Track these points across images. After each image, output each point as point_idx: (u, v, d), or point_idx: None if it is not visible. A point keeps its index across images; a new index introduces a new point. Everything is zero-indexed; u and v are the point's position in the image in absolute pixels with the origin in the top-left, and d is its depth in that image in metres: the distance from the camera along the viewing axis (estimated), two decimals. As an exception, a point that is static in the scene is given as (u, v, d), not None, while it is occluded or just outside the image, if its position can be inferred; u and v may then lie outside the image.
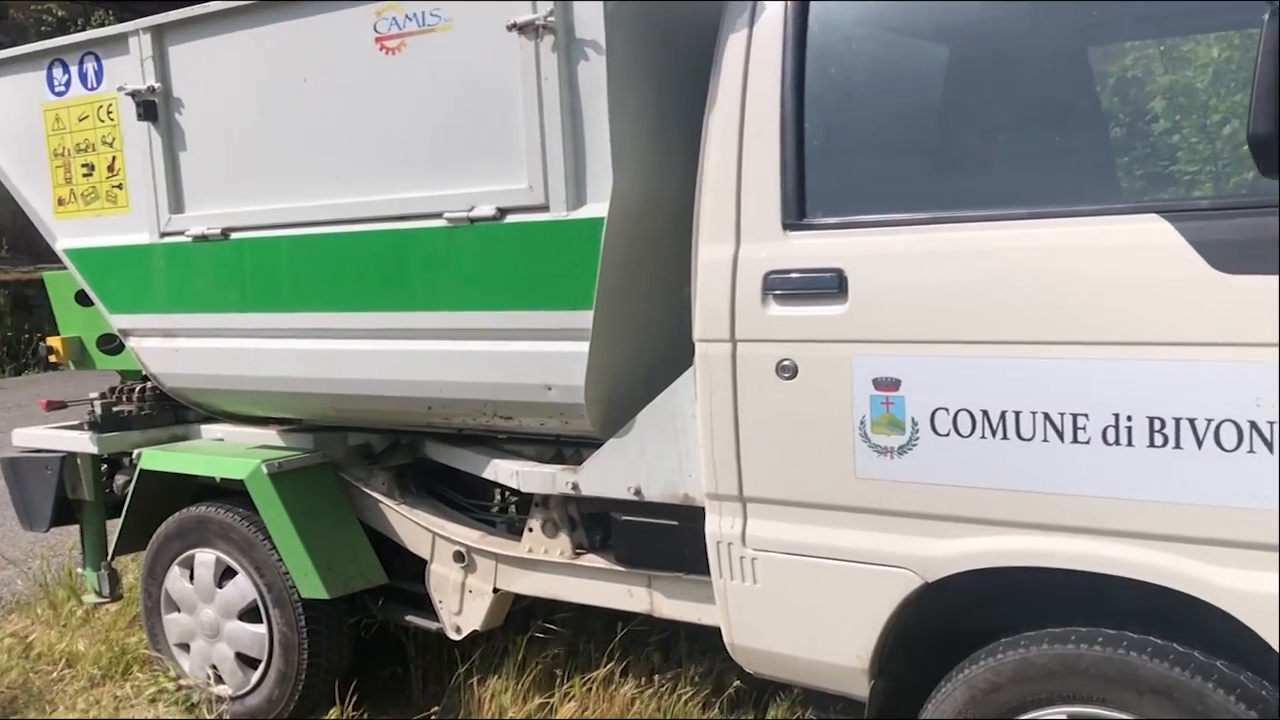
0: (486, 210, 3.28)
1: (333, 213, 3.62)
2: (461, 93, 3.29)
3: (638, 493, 3.25)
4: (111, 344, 4.70)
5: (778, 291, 2.81)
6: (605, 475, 3.32)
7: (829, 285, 2.73)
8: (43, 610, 5.17)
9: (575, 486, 3.41)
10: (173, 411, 4.61)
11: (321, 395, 3.89)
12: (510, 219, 3.25)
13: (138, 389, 4.62)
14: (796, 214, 2.81)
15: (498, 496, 4.48)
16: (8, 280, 17.62)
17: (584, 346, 3.18)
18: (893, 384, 2.69)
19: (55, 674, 4.59)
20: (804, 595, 2.88)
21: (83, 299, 4.79)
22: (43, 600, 5.33)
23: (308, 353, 3.80)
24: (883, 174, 2.89)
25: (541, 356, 3.29)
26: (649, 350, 3.33)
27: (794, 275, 2.79)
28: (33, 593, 5.51)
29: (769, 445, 2.87)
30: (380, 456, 4.18)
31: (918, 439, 2.66)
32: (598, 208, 3.09)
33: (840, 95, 2.90)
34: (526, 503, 3.93)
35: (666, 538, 3.29)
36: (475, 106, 3.27)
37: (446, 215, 3.35)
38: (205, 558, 4.16)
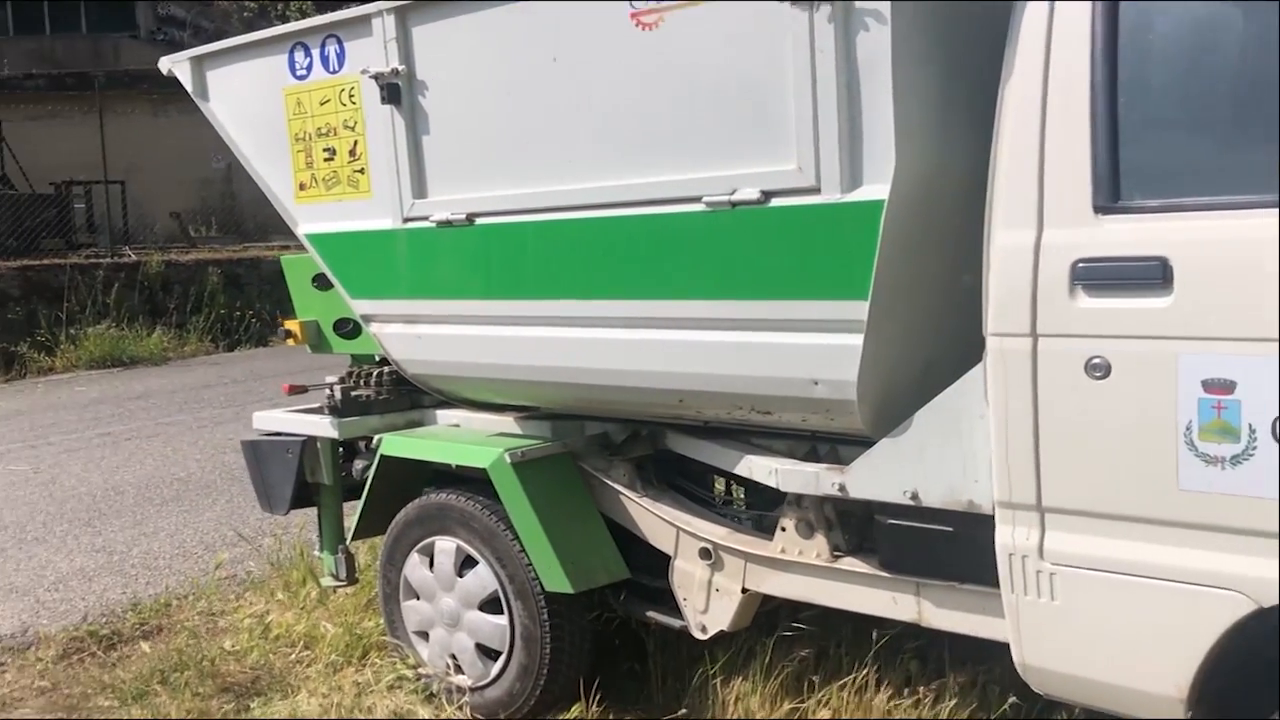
0: (750, 193, 3.09)
1: (582, 197, 3.49)
2: (723, 69, 3.11)
3: (914, 497, 3.03)
4: (347, 328, 4.71)
5: (1088, 281, 2.55)
6: (877, 477, 3.11)
7: (1151, 275, 2.46)
8: (278, 590, 5.25)
9: (842, 488, 3.20)
10: (409, 396, 4.59)
11: (567, 385, 3.78)
12: (776, 202, 3.06)
13: (375, 374, 4.62)
14: (1110, 196, 2.55)
15: (720, 486, 4.34)
16: (220, 259, 18.33)
17: (857, 339, 2.97)
18: (1226, 386, 2.40)
19: (294, 656, 4.64)
20: (1112, 616, 2.62)
21: (320, 283, 4.81)
22: (276, 580, 5.41)
23: (554, 341, 3.69)
24: (1212, 150, 2.59)
25: (808, 349, 3.09)
26: (925, 343, 3.11)
27: (1108, 264, 2.53)
28: (265, 572, 5.61)
29: (1074, 451, 2.62)
30: (620, 447, 4.05)
31: (1255, 448, 2.37)
32: (876, 189, 2.87)
33: (1161, 61, 2.62)
34: (761, 497, 3.77)
35: (941, 545, 3.07)
36: (738, 83, 3.09)
37: (706, 199, 3.18)
38: (446, 546, 4.11)
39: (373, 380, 4.61)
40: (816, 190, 2.98)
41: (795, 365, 3.13)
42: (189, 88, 4.69)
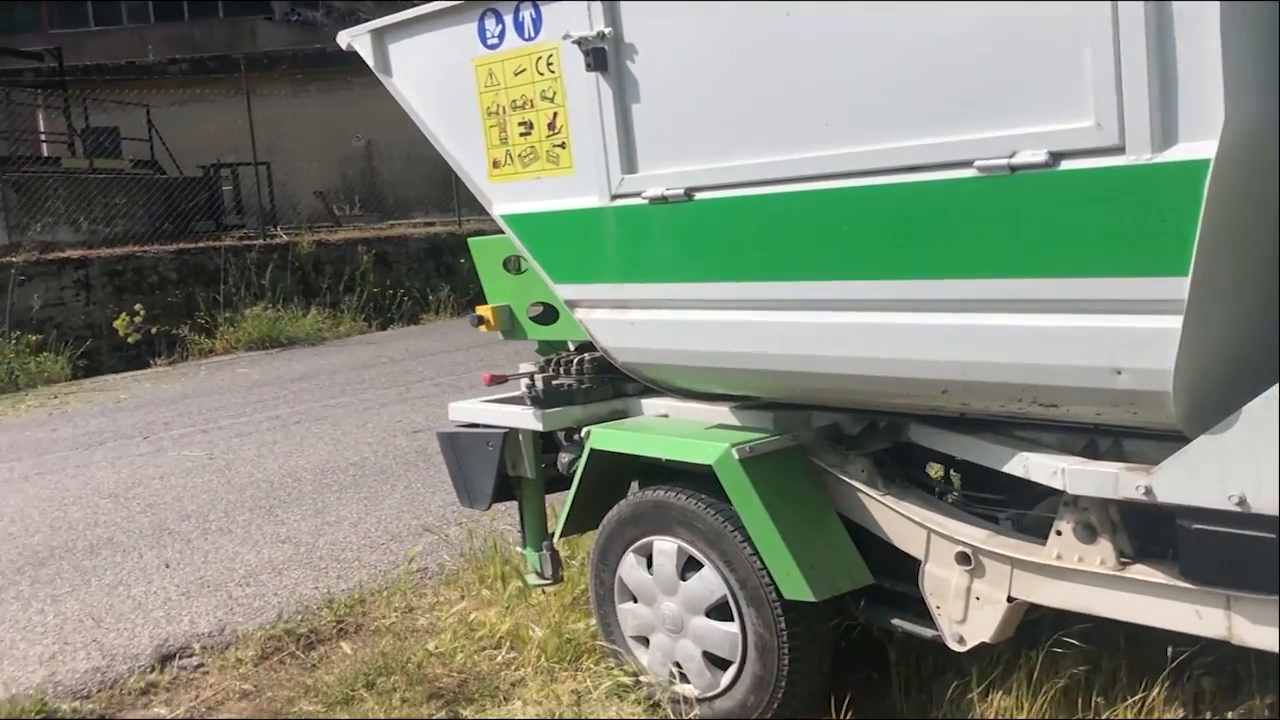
0: (1034, 155, 2.69)
1: (822, 166, 3.13)
2: (998, 14, 2.72)
3: (1241, 502, 2.62)
4: (541, 313, 4.45)
5: None
6: (1194, 480, 2.71)
7: None
8: (474, 585, 5.04)
9: (1148, 491, 2.80)
10: (612, 385, 4.31)
11: (802, 374, 3.44)
12: (1068, 165, 2.66)
13: (576, 361, 4.34)
14: None
15: (941, 475, 3.98)
16: (368, 238, 18.41)
17: (1174, 322, 2.57)
18: None
19: (500, 658, 4.42)
20: None
21: (511, 266, 4.56)
22: (469, 573, 5.21)
23: (789, 327, 3.35)
24: None
25: (1109, 333, 2.69)
26: (1250, 325, 2.69)
27: None
28: (458, 565, 5.42)
29: None
30: (855, 440, 3.71)
31: None
32: (1197, 148, 2.45)
33: None
34: (1016, 494, 3.39)
35: (1262, 554, 2.66)
36: (1017, 31, 2.69)
37: (978, 163, 2.79)
38: (665, 546, 3.82)
39: (574, 368, 4.34)
40: (1120, 150, 2.57)
41: (1093, 352, 2.74)
42: (370, 62, 4.46)
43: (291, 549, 6.10)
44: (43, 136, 25.86)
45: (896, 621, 3.62)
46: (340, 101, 27.90)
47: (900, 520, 3.49)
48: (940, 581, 3.39)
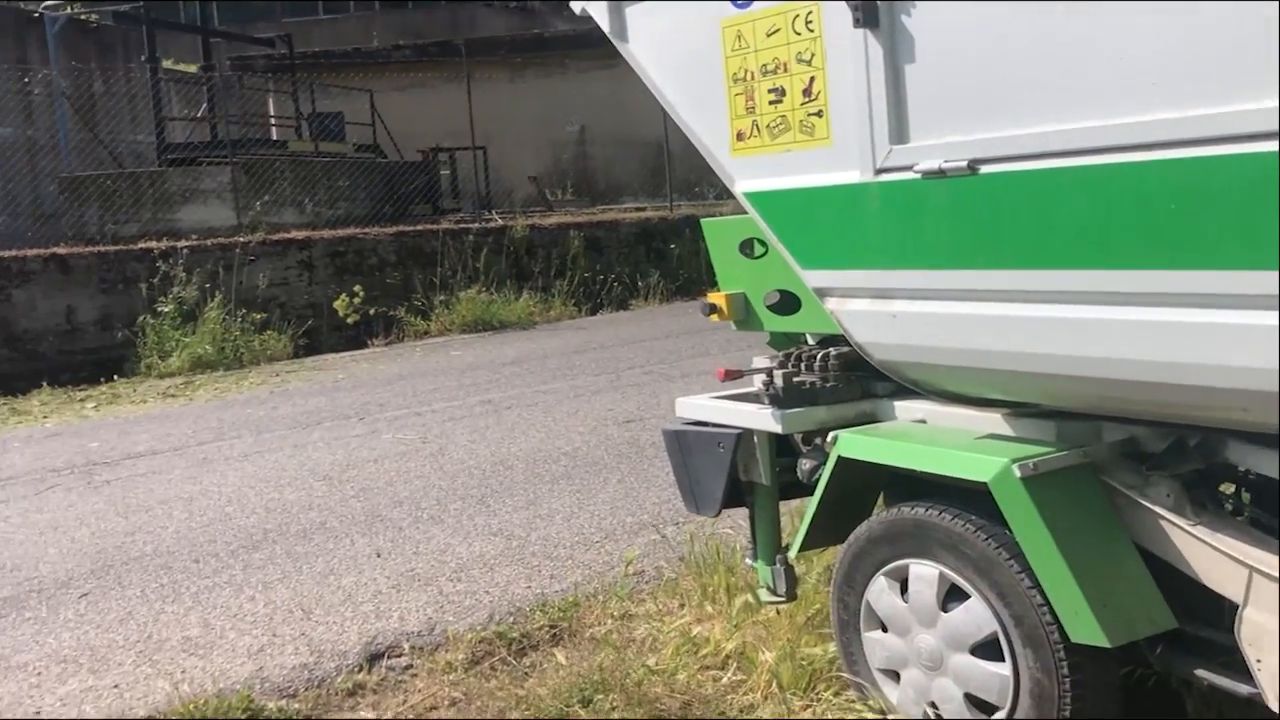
0: None
1: (1147, 133, 2.60)
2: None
3: None
4: (779, 302, 4.01)
5: None
6: None
7: None
8: (694, 594, 4.66)
9: None
10: (860, 384, 3.85)
11: (1116, 381, 2.89)
12: None
13: (820, 356, 3.90)
14: None
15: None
16: (580, 222, 18.31)
17: None
18: None
19: (725, 680, 4.03)
20: None
21: (747, 250, 4.15)
22: (689, 580, 4.83)
23: (1100, 325, 2.83)
24: None
25: None
26: None
27: None
28: (677, 571, 5.05)
29: None
30: (1159, 459, 3.15)
31: None
32: None
33: None
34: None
35: None
36: None
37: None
38: (924, 572, 3.35)
39: (818, 364, 3.89)
40: None
41: None
42: (605, 28, 4.11)
43: (503, 543, 5.85)
44: (272, 120, 26.88)
45: (1201, 673, 3.06)
46: (555, 87, 28.14)
47: (1215, 556, 2.93)
48: (1263, 631, 2.82)
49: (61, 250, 14.02)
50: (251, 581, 5.55)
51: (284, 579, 5.55)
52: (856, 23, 3.17)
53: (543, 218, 18.80)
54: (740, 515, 4.30)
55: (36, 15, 25.93)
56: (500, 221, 17.82)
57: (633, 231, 18.31)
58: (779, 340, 4.27)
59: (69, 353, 13.69)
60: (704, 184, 22.78)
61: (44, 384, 12.54)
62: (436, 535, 6.07)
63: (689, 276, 17.79)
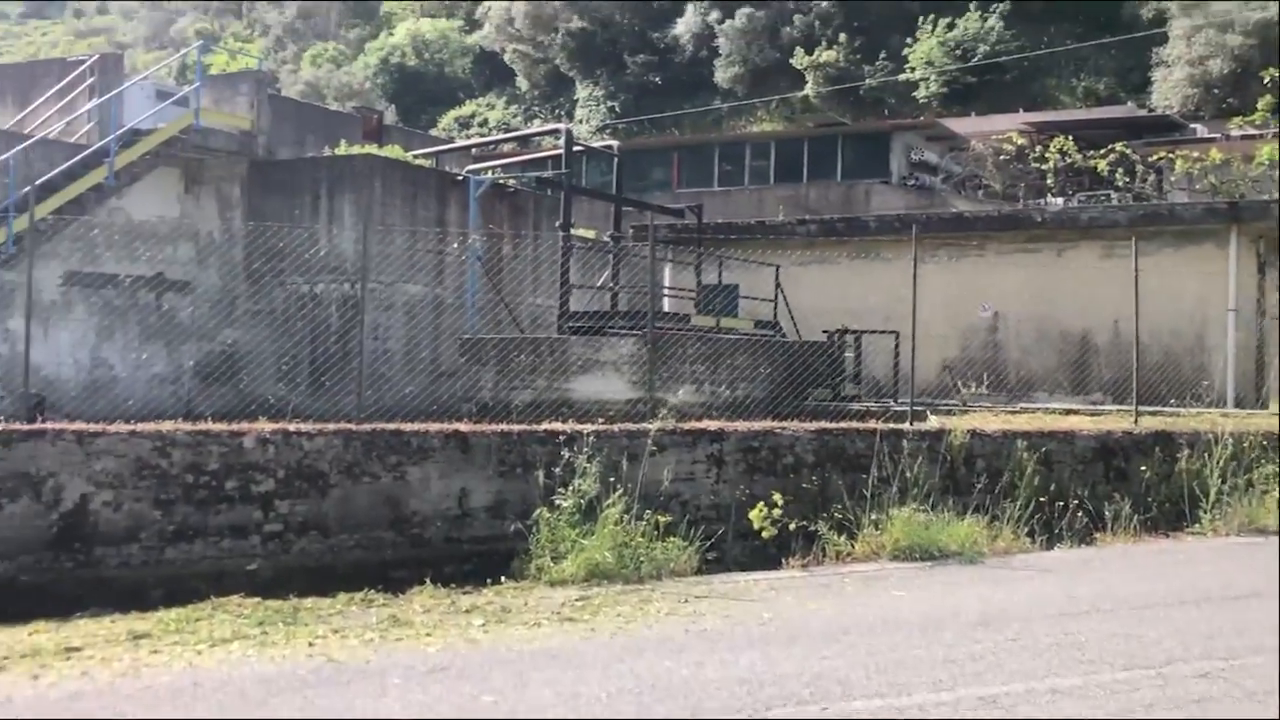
0: None
1: None
2: None
3: None
4: None
5: None
6: None
7: None
8: None
9: None
10: None
11: None
12: None
13: None
14: None
15: None
16: (1027, 430, 15.55)
17: None
18: None
19: None
20: None
21: None
22: None
23: None
24: None
25: None
26: None
27: None
28: None
29: None
30: None
31: None
32: None
33: None
34: None
35: None
36: None
37: None
38: None
39: None
40: None
41: None
42: None
43: None
44: (665, 291, 25.92)
45: None
46: (968, 268, 25.89)
47: None
48: None
49: (463, 427, 12.76)
50: None
51: None
52: None
53: (983, 420, 16.19)
54: None
55: (460, 178, 26.35)
56: (936, 423, 15.37)
57: (1090, 446, 15.38)
58: None
59: (456, 541, 12.29)
60: (1163, 390, 19.56)
61: (427, 579, 11.08)
62: None
63: (1162, 506, 14.66)
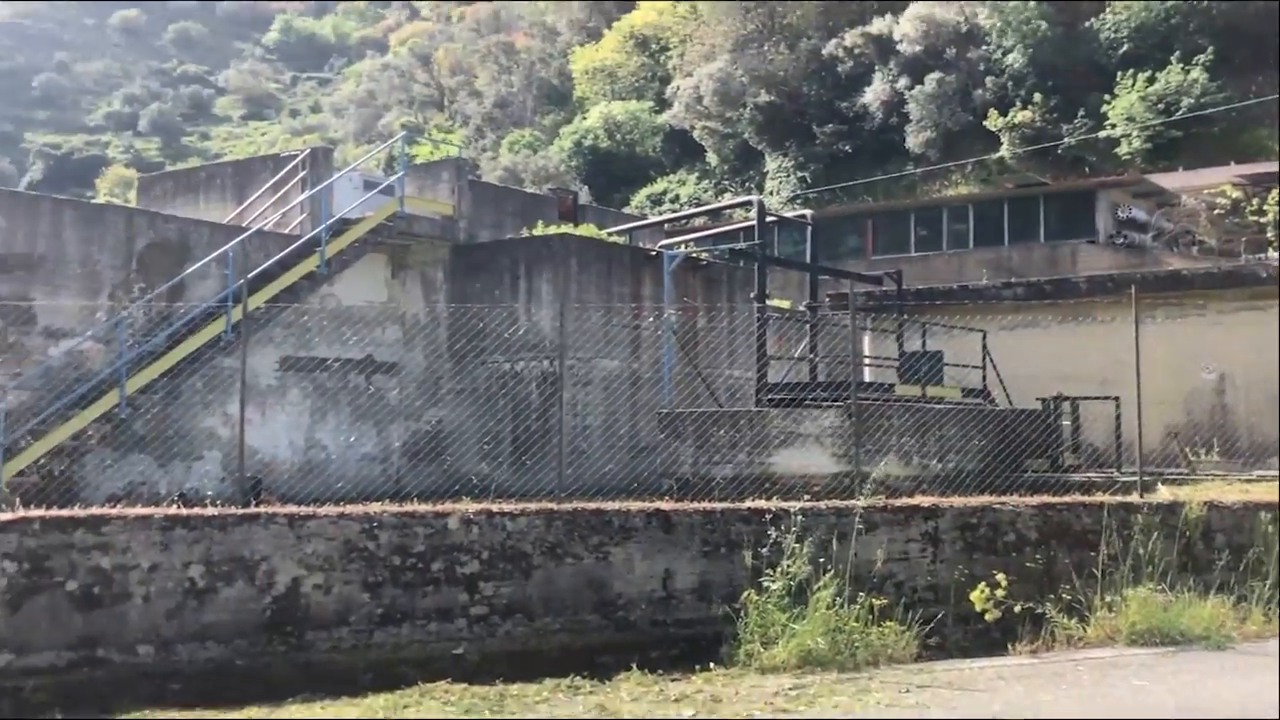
0: None
1: None
2: None
3: None
4: None
5: None
6: None
7: None
8: None
9: None
10: None
11: None
12: None
13: None
14: None
15: None
16: (1273, 502, 14.33)
17: None
18: None
19: None
20: None
21: None
22: None
23: None
24: None
25: None
26: None
27: None
28: None
29: None
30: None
31: None
32: None
33: None
34: None
35: None
36: None
37: None
38: None
39: None
40: None
41: None
42: None
43: None
44: (865, 360, 25.24)
45: None
46: (1189, 329, 24.48)
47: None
48: None
49: (665, 506, 12.47)
50: None
51: None
52: None
53: (1219, 492, 15.02)
54: None
55: (654, 253, 26.41)
56: (1170, 496, 14.31)
57: (1344, 518, 14.04)
58: None
59: (662, 624, 11.94)
60: None
61: (633, 665, 10.75)
62: None
63: None
